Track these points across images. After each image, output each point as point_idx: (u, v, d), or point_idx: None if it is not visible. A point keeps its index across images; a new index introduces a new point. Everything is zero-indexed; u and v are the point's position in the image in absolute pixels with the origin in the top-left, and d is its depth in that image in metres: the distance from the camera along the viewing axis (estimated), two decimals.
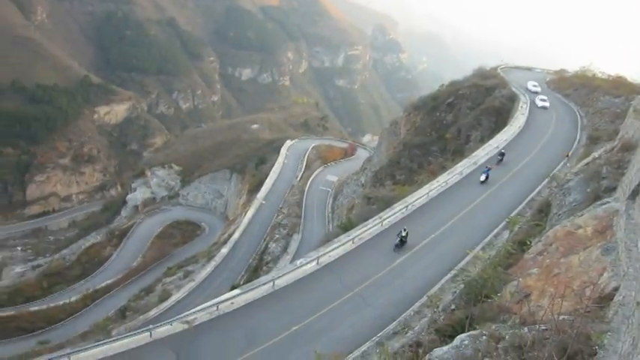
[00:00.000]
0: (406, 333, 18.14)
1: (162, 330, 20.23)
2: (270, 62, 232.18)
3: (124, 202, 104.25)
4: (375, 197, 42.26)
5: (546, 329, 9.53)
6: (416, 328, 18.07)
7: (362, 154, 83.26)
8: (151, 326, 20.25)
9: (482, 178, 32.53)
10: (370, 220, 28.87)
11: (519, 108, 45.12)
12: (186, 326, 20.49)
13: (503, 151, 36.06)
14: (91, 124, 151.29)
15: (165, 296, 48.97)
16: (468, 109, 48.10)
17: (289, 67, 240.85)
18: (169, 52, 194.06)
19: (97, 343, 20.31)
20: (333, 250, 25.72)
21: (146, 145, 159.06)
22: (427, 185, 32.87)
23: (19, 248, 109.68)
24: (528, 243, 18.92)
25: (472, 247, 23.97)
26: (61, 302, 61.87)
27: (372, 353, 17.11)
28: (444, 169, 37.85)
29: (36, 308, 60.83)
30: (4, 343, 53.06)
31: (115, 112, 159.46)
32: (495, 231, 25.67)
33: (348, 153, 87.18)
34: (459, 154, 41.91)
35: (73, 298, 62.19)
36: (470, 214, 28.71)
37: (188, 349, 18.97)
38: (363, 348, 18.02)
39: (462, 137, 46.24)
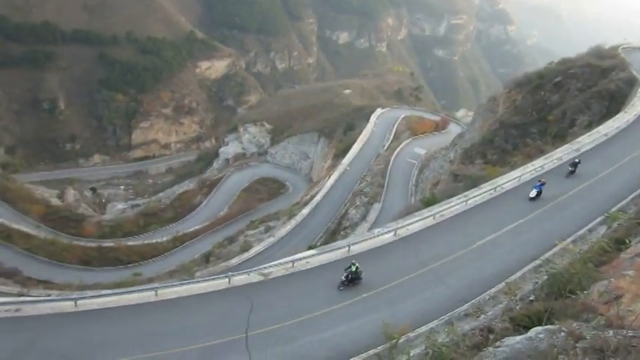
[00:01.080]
0: (478, 317, 17.67)
1: (241, 278, 21.35)
2: (368, 27, 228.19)
3: (217, 155, 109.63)
4: (463, 175, 40.84)
5: (634, 336, 8.82)
6: (489, 314, 17.53)
7: (453, 129, 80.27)
8: (230, 274, 21.44)
9: (533, 193, 26.96)
10: (455, 198, 28.03)
11: (638, 93, 40.74)
12: (262, 278, 21.46)
13: (577, 160, 30.09)
14: (193, 78, 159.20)
15: (246, 247, 51.42)
16: (577, 91, 44.17)
17: (387, 34, 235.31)
18: (270, 11, 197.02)
19: (182, 282, 21.96)
20: (412, 223, 25.41)
21: (241, 101, 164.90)
22: (520, 168, 31.10)
23: (122, 187, 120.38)
24: (627, 242, 17.39)
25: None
26: (154, 241, 67.13)
27: (441, 331, 16.90)
28: (541, 152, 35.46)
29: (132, 243, 66.47)
30: (104, 270, 58.89)
31: (216, 67, 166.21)
32: (590, 225, 23.83)
33: (439, 126, 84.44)
34: (561, 138, 38.91)
35: (165, 239, 67.09)
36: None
37: (262, 300, 19.88)
38: (432, 325, 17.86)
39: (566, 120, 42.78)
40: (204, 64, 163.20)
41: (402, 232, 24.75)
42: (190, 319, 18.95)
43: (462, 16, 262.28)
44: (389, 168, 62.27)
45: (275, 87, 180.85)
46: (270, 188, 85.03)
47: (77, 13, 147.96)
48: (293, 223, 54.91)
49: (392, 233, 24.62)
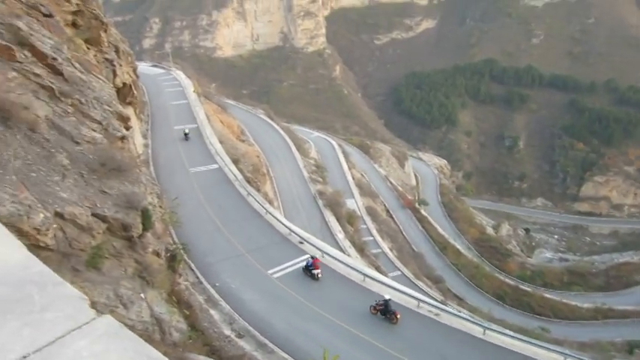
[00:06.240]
0: None
1: None
2: None
3: None
4: None
5: None
6: None
7: None
8: None
9: None
10: None
11: None
12: None
13: None
14: None
15: None
16: None
17: None
18: None
19: None
20: None
21: None
22: None
23: (556, 237, 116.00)
24: None
25: None
26: (573, 303, 61.80)
27: None
28: None
29: (548, 296, 63.39)
30: (512, 310, 58.81)
31: None
32: None
33: None
34: None
35: (585, 305, 60.87)
36: None
37: None
38: None
39: None
40: None
41: None
42: None
43: None
44: None
45: None
46: None
47: (560, 59, 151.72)
48: None
49: None
